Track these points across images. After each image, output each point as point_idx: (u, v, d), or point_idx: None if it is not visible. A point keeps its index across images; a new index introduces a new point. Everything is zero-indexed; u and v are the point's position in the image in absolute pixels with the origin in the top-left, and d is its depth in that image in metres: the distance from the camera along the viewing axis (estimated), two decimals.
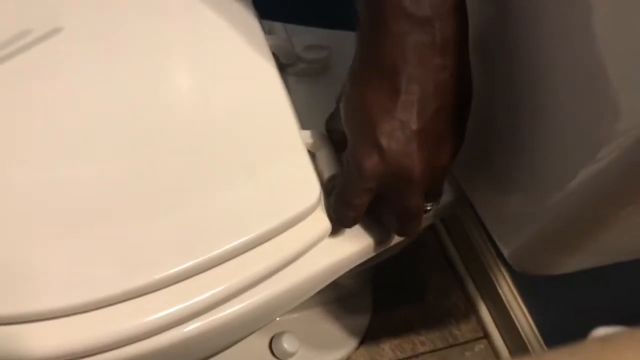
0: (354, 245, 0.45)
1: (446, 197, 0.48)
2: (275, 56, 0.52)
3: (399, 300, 0.88)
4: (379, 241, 0.46)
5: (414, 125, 0.37)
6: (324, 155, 0.46)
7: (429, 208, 0.43)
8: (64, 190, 0.39)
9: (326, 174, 0.45)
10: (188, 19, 0.51)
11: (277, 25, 0.55)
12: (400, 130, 0.37)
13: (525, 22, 0.38)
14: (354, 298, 0.81)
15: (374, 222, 0.46)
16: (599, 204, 0.37)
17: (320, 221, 0.43)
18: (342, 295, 0.79)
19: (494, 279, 0.86)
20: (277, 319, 0.72)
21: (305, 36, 0.55)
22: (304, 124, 0.48)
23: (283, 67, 0.54)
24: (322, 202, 0.44)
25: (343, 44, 0.58)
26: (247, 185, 0.42)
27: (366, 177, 0.39)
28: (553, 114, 0.38)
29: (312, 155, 0.47)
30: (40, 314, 0.35)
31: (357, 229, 0.45)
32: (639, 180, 0.35)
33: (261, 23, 0.53)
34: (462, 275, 0.92)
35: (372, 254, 0.47)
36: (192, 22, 0.50)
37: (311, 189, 0.42)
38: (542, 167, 0.40)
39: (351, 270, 0.47)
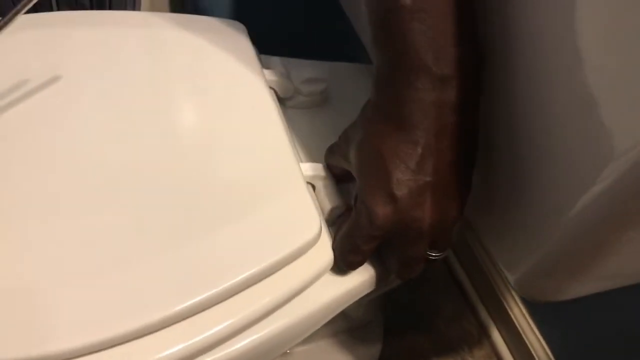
0: (359, 277, 0.45)
1: None
2: (274, 90, 0.53)
3: (410, 328, 0.87)
4: (384, 274, 0.46)
5: (428, 178, 0.37)
6: (324, 187, 0.46)
7: (436, 256, 0.43)
8: (70, 234, 0.39)
9: (327, 207, 0.46)
10: (187, 57, 0.51)
11: (275, 60, 0.55)
12: (415, 181, 0.37)
13: (522, 51, 0.39)
14: (364, 327, 0.80)
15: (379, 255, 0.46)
16: (601, 228, 0.37)
17: (323, 254, 0.43)
18: (352, 326, 0.78)
19: (505, 303, 0.86)
20: (287, 351, 0.71)
21: (304, 69, 0.55)
22: (303, 157, 0.49)
23: (282, 101, 0.54)
24: (324, 235, 0.44)
25: (341, 75, 0.58)
26: (248, 220, 0.42)
27: (378, 226, 0.39)
28: (552, 138, 0.38)
29: (313, 187, 0.47)
30: (52, 356, 0.35)
31: None
32: (639, 203, 0.35)
33: (259, 58, 0.54)
34: (474, 301, 0.92)
35: (377, 286, 0.47)
36: (192, 60, 0.51)
37: (312, 222, 0.42)
38: (543, 192, 0.40)
39: (360, 300, 0.47)
